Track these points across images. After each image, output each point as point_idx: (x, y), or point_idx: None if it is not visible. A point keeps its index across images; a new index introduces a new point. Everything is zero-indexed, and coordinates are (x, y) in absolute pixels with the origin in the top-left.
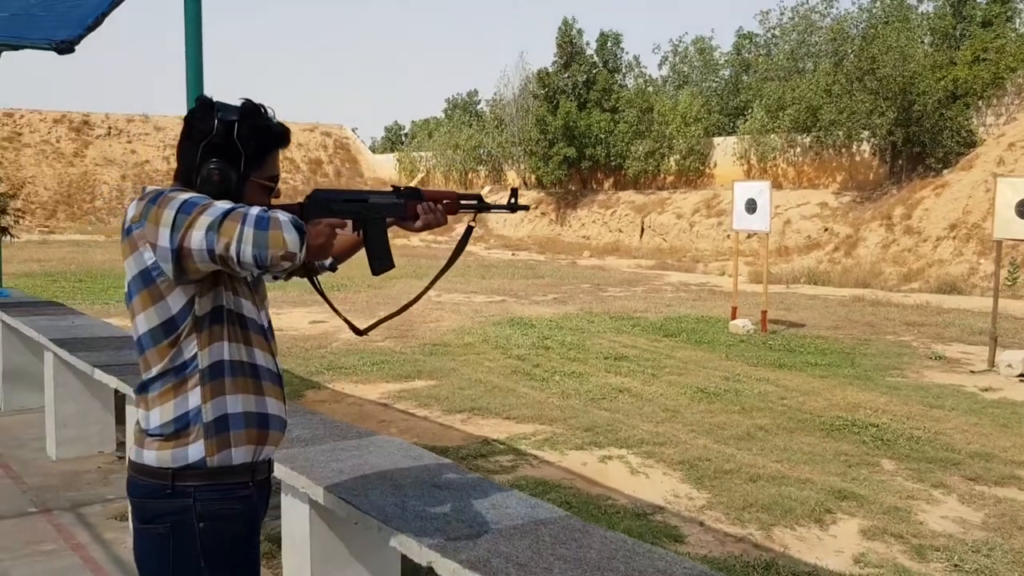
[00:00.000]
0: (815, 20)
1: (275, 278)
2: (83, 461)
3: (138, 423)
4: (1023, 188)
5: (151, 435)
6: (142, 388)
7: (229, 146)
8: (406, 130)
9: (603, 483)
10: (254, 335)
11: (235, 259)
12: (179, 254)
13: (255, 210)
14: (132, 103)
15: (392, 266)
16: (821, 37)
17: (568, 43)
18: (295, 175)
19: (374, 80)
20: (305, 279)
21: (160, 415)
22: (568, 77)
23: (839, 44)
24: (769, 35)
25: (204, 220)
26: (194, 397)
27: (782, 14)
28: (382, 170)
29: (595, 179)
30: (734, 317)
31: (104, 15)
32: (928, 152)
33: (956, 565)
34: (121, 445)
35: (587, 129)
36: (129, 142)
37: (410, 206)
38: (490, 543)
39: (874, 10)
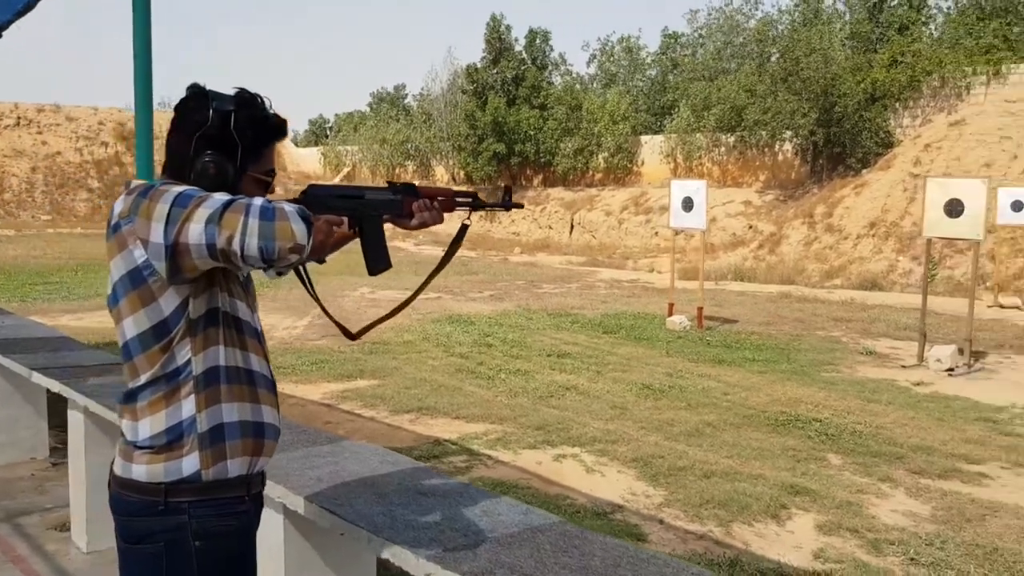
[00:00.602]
0: (740, 21)
1: (279, 274)
2: (15, 468)
3: (123, 435)
4: (951, 188)
5: (140, 447)
6: (129, 397)
7: (225, 138)
8: (330, 124)
9: (560, 482)
10: (249, 339)
11: (239, 253)
12: (174, 250)
13: (258, 200)
14: (44, 93)
15: (389, 266)
16: (746, 38)
17: (497, 39)
18: None
19: (297, 73)
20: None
21: (151, 426)
22: (497, 73)
23: (763, 46)
24: (695, 35)
25: (202, 213)
26: (188, 406)
27: (710, 14)
28: (306, 164)
29: (524, 176)
30: (671, 314)
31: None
32: (848, 152)
33: (912, 559)
34: (55, 450)
35: (516, 125)
36: (39, 133)
37: (406, 203)
38: (490, 553)
39: (795, 13)
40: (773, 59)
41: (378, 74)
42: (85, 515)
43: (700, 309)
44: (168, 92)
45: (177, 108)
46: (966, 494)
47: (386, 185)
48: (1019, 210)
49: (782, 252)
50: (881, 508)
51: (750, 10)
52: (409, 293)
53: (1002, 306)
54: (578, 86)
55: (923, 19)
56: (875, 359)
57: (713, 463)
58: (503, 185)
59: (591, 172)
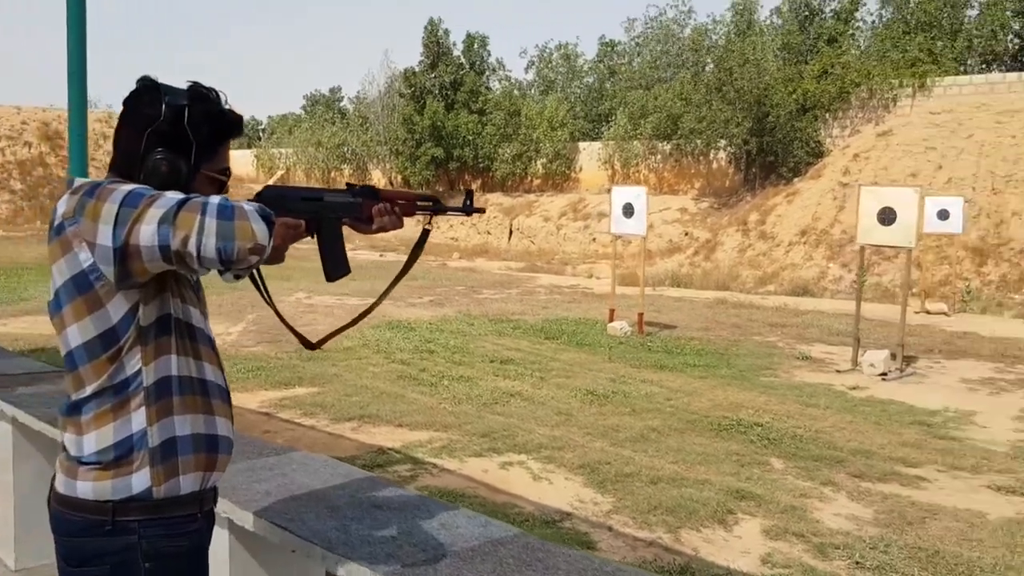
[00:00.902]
0: (675, 31)
1: (236, 277)
2: None
3: (66, 450)
4: (884, 197)
5: (85, 463)
6: (73, 409)
7: (179, 134)
8: (263, 126)
9: (507, 490)
10: (203, 347)
11: (195, 255)
12: (124, 253)
13: (215, 199)
14: None
15: (348, 271)
16: (681, 47)
17: (435, 43)
18: None
19: (229, 74)
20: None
21: (97, 440)
22: (435, 77)
23: (699, 55)
24: (632, 44)
25: (154, 213)
26: (138, 419)
27: (646, 23)
28: (238, 166)
29: (463, 180)
30: (612, 319)
31: None
32: (780, 161)
33: (857, 562)
34: None
35: (455, 130)
36: None
37: (366, 207)
38: (451, 568)
39: (729, 24)
40: (708, 69)
41: (312, 76)
42: (13, 531)
43: (640, 315)
44: (97, 93)
45: (126, 102)
46: (906, 497)
47: (344, 187)
48: (945, 219)
49: (717, 259)
50: (825, 512)
51: (684, 19)
52: (348, 298)
53: (929, 312)
54: (516, 92)
55: (851, 31)
56: (811, 364)
57: (659, 469)
58: (464, 189)
59: (530, 178)
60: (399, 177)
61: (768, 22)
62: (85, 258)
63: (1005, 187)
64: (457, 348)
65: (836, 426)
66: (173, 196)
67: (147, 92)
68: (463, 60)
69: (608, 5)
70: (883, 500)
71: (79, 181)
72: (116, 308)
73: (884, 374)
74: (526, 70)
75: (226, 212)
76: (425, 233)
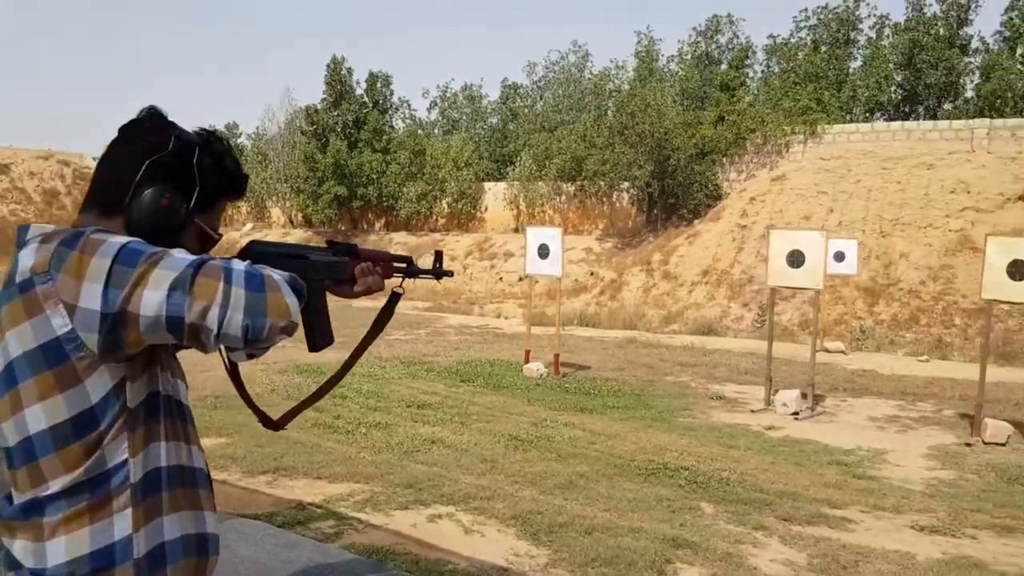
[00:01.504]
0: (575, 75)
1: (250, 356)
2: None
3: (15, 562)
4: (793, 240)
5: None
6: (30, 510)
7: (183, 171)
8: None
9: (439, 545)
10: (191, 427)
11: (214, 330)
12: (117, 320)
13: (238, 264)
14: None
15: (333, 340)
16: (583, 91)
17: (338, 81)
18: (27, 207)
19: (119, 107)
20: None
21: (67, 548)
22: (338, 115)
23: (601, 99)
24: (534, 87)
25: (162, 275)
26: (122, 523)
27: (547, 67)
28: None
29: (366, 219)
30: (527, 361)
31: None
32: (681, 203)
33: None
34: None
35: (358, 168)
36: None
37: (349, 266)
38: None
39: (631, 70)
40: (610, 113)
41: (207, 112)
42: None
43: (557, 356)
44: None
45: (126, 130)
46: (836, 540)
47: (325, 244)
48: (841, 260)
49: (623, 298)
50: (760, 558)
51: (582, 62)
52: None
53: (828, 350)
54: (420, 131)
55: (743, 79)
56: (725, 404)
57: (592, 517)
58: (435, 251)
59: (435, 217)
60: (299, 215)
61: (667, 69)
62: (60, 323)
63: (892, 230)
64: (371, 393)
65: (759, 468)
66: (182, 255)
67: (155, 119)
68: (366, 99)
69: (510, 48)
70: (815, 544)
71: (50, 228)
72: (96, 385)
73: (796, 413)
74: (429, 110)
75: (255, 281)
76: (395, 296)
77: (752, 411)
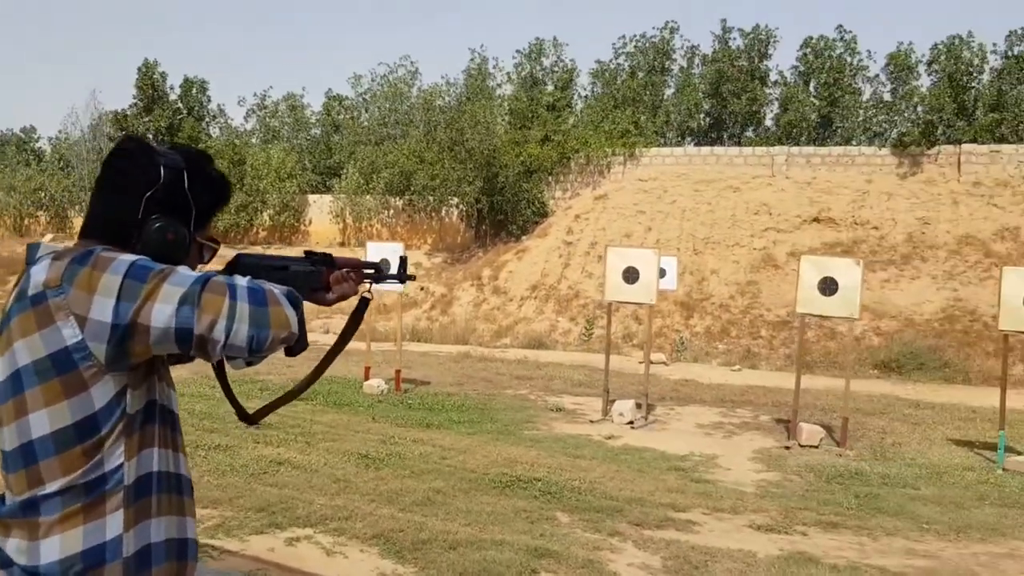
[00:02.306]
0: (403, 90)
1: (248, 364)
2: None
3: (7, 558)
4: (629, 257)
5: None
6: (26, 508)
7: (179, 200)
8: None
9: (301, 569)
10: (179, 436)
11: (221, 342)
12: (127, 332)
13: (241, 280)
14: None
15: (307, 346)
16: (411, 106)
17: (150, 86)
18: None
19: None
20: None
21: (61, 547)
22: (150, 121)
23: (430, 114)
24: (360, 99)
25: (172, 291)
26: (114, 523)
27: (373, 80)
28: None
29: None
30: (367, 377)
31: None
32: (509, 220)
33: None
34: None
35: None
36: None
37: (325, 275)
38: None
39: (461, 87)
40: (440, 128)
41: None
42: None
43: (398, 372)
44: None
45: (112, 164)
46: (685, 542)
47: (303, 255)
48: (663, 276)
49: (454, 313)
50: (619, 563)
51: (411, 79)
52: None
53: (652, 362)
54: (237, 140)
55: (568, 100)
56: (565, 415)
57: (454, 532)
58: (400, 257)
59: (255, 229)
60: None
61: (496, 88)
62: (71, 334)
63: (704, 248)
64: (205, 414)
65: (606, 476)
66: (188, 273)
67: (139, 153)
68: (180, 105)
69: (333, 59)
70: (667, 546)
71: (60, 245)
72: (101, 393)
73: (632, 422)
74: (246, 118)
75: (258, 296)
76: (364, 302)
77: (591, 421)
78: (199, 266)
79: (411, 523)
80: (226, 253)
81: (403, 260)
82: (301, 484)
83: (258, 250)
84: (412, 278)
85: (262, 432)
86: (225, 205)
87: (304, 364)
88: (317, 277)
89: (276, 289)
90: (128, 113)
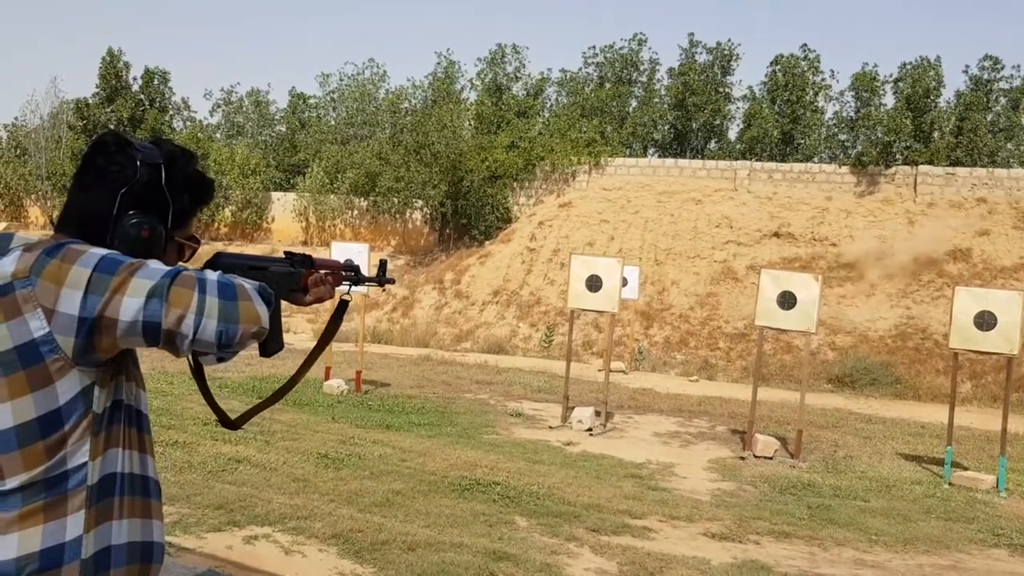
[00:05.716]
0: (370, 90)
1: (219, 360)
2: None
3: None
4: (593, 266)
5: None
6: None
7: (156, 196)
8: None
9: (259, 568)
10: (147, 437)
11: (189, 336)
12: (95, 325)
13: (211, 274)
14: None
15: (282, 347)
16: (377, 107)
17: (113, 75)
18: None
19: None
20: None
21: (19, 544)
22: (112, 111)
23: (396, 116)
24: (326, 98)
25: (139, 284)
26: (74, 523)
27: (341, 80)
28: None
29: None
30: (328, 378)
31: None
32: (473, 224)
33: None
34: None
35: None
36: None
37: (303, 277)
38: None
39: (428, 90)
40: (406, 131)
41: None
42: None
43: (359, 373)
44: None
45: (90, 158)
46: (641, 548)
47: (284, 256)
48: (625, 285)
49: (415, 315)
50: (576, 568)
51: (379, 80)
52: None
53: (612, 370)
54: (201, 134)
55: (537, 108)
56: (525, 420)
57: (413, 534)
58: (380, 260)
59: (217, 225)
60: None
61: (463, 92)
62: (38, 326)
63: (666, 259)
64: (162, 410)
65: (564, 481)
66: (158, 266)
67: (118, 148)
68: (143, 96)
69: (299, 57)
70: (623, 552)
71: (32, 237)
72: (66, 388)
73: (590, 429)
74: (211, 112)
75: (228, 291)
76: (343, 304)
77: (550, 427)
78: (179, 264)
79: (370, 524)
80: (200, 252)
81: (383, 263)
82: (260, 482)
83: (220, 247)
84: (392, 281)
85: (220, 430)
86: (206, 205)
87: (261, 363)
88: (296, 279)
89: (247, 284)
90: (90, 102)
